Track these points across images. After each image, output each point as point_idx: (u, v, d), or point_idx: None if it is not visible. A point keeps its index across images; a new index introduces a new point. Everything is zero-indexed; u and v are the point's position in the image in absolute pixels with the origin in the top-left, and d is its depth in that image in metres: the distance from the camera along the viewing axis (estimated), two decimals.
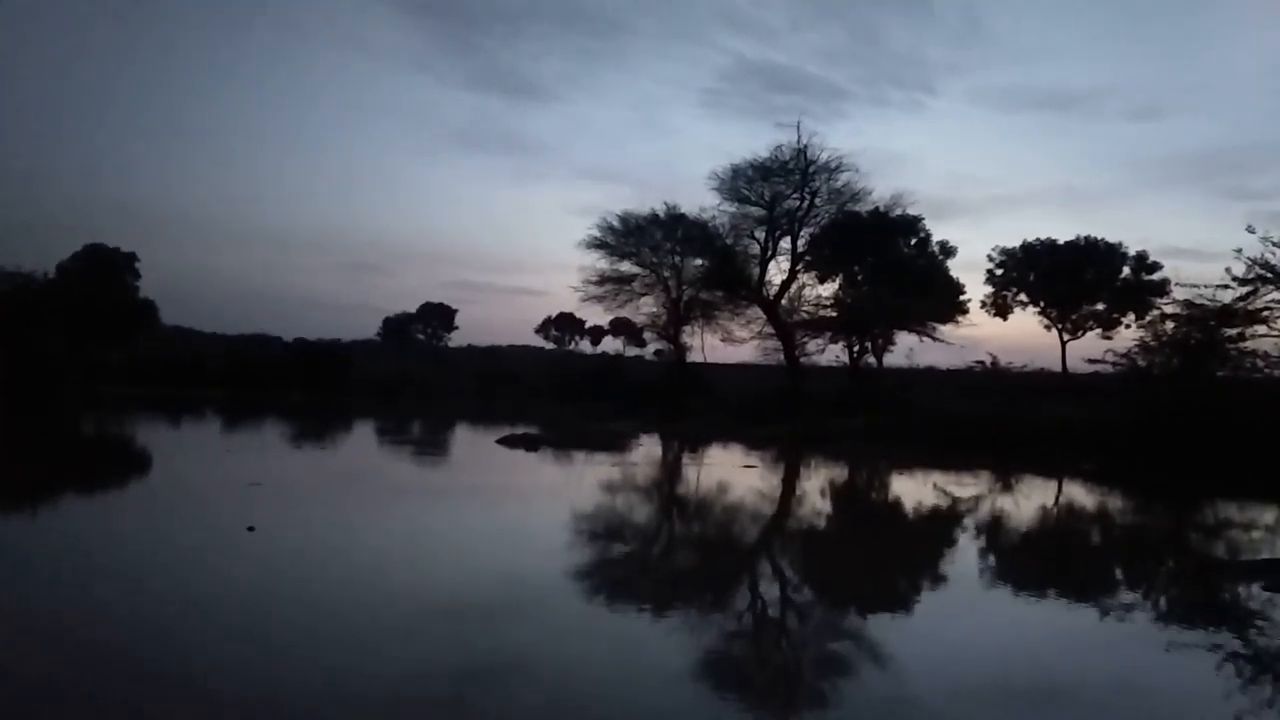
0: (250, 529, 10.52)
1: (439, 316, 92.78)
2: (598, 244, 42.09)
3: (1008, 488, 18.36)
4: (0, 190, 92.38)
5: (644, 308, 44.74)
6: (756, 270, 38.85)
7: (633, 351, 71.34)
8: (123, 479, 16.82)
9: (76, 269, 52.80)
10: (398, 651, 6.33)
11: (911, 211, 39.66)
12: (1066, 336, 50.04)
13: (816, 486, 19.23)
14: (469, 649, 6.52)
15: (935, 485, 18.46)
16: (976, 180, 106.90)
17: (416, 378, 56.36)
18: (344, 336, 74.21)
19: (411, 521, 12.75)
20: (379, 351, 78.82)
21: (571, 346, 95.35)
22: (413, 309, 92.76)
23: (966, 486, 18.24)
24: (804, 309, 39.43)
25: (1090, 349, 42.04)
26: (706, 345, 44.20)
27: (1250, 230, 22.29)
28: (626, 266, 43.05)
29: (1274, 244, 21.84)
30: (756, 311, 39.55)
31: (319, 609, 7.44)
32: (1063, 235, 49.88)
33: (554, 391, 48.03)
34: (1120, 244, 47.93)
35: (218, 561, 9.15)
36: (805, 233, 38.21)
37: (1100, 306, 48.96)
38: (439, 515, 13.45)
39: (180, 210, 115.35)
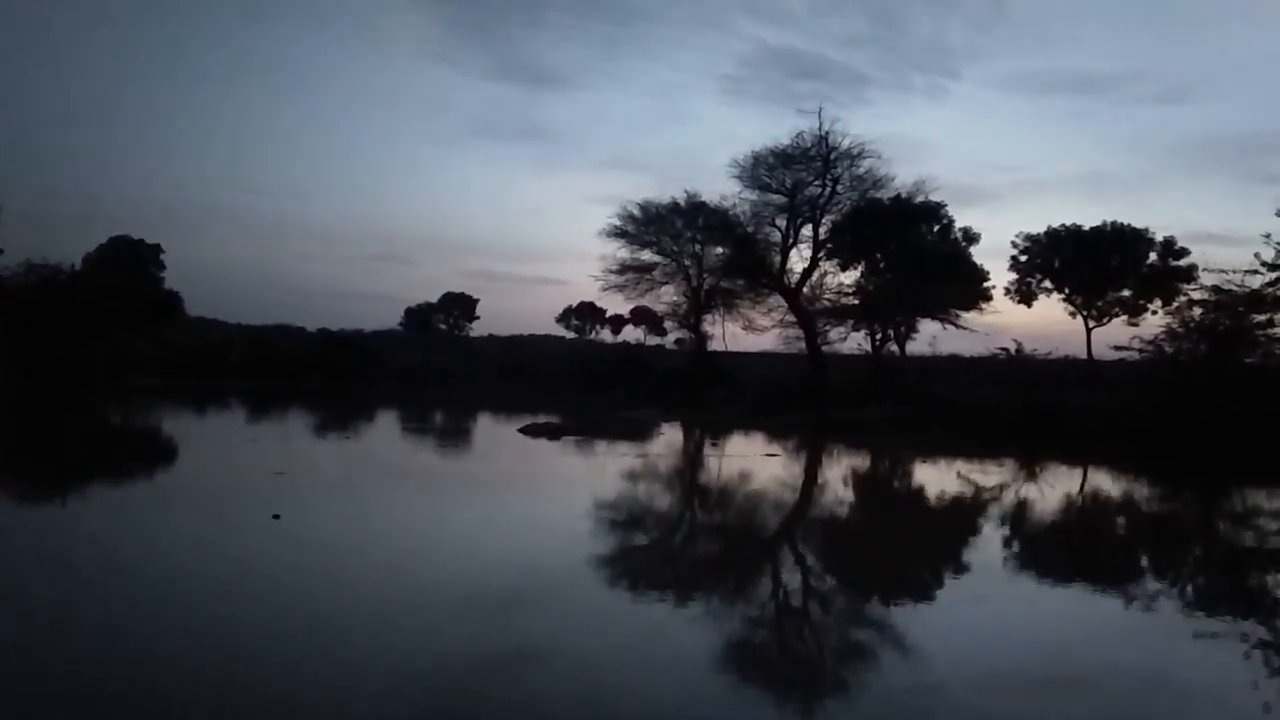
0: (276, 517, 10.63)
1: (460, 306, 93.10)
2: (618, 233, 42.08)
3: (1032, 476, 18.24)
4: (26, 184, 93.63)
5: (665, 296, 44.76)
6: (778, 258, 38.65)
7: (653, 340, 71.48)
8: (150, 469, 17.03)
9: (102, 261, 53.35)
10: (422, 638, 6.38)
11: (934, 198, 39.32)
12: (1092, 323, 49.46)
13: (839, 475, 19.17)
14: (493, 636, 6.56)
15: (959, 474, 18.35)
16: (1000, 166, 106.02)
17: (438, 367, 56.62)
18: (366, 326, 74.78)
19: (435, 510, 12.84)
20: (401, 341, 79.23)
21: (592, 335, 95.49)
22: (434, 299, 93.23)
23: (991, 475, 18.13)
24: (826, 297, 39.26)
25: (1116, 336, 41.67)
26: (728, 334, 44.17)
27: (1279, 215, 22.02)
28: (647, 255, 43.03)
29: None
30: (778, 300, 39.36)
31: (346, 596, 7.50)
32: (1088, 221, 49.19)
33: (575, 380, 48.09)
34: (1147, 229, 47.26)
35: (245, 550, 9.25)
36: (827, 220, 37.94)
37: (1126, 293, 48.32)
38: (462, 504, 13.52)
39: (203, 202, 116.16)
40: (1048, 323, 56.16)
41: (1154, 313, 45.16)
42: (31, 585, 7.67)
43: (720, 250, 41.40)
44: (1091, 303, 49.20)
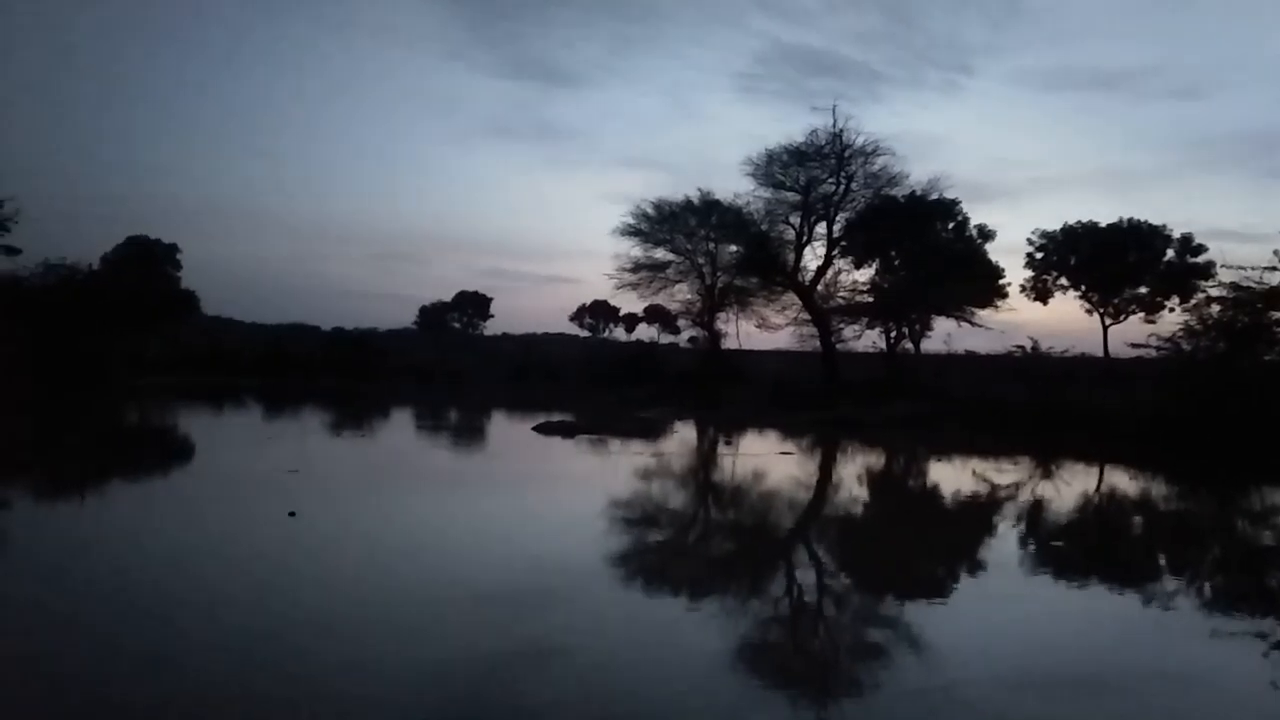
0: (291, 514, 10.68)
1: (474, 305, 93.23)
2: (632, 231, 42.13)
3: (1048, 474, 18.13)
4: (44, 184, 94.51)
5: (678, 294, 44.77)
6: (791, 256, 38.61)
7: (667, 338, 71.30)
8: (166, 468, 17.13)
9: (119, 261, 53.75)
10: (437, 635, 6.39)
11: (949, 195, 39.17)
12: (1109, 321, 49.19)
13: (853, 473, 19.11)
14: (506, 633, 6.56)
15: (974, 472, 18.27)
16: (1016, 162, 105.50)
17: (452, 366, 56.78)
18: (381, 325, 75.10)
19: (449, 508, 12.87)
20: (416, 340, 79.49)
21: (606, 334, 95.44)
22: (448, 298, 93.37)
23: (1006, 473, 18.03)
24: (840, 295, 39.19)
25: (1133, 333, 41.47)
26: (741, 332, 44.13)
27: None
28: (660, 253, 43.06)
29: None
30: (792, 298, 39.32)
31: (360, 593, 7.52)
32: (1104, 217, 48.93)
33: (589, 379, 48.13)
34: (1164, 226, 46.94)
35: (260, 547, 9.30)
36: (841, 217, 37.89)
37: (1143, 290, 48.02)
38: (477, 502, 13.54)
39: (219, 201, 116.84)
40: (1064, 320, 55.93)
41: (1171, 310, 44.94)
42: (44, 583, 7.72)
43: (734, 248, 41.38)
44: (1108, 300, 48.93)
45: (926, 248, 38.99)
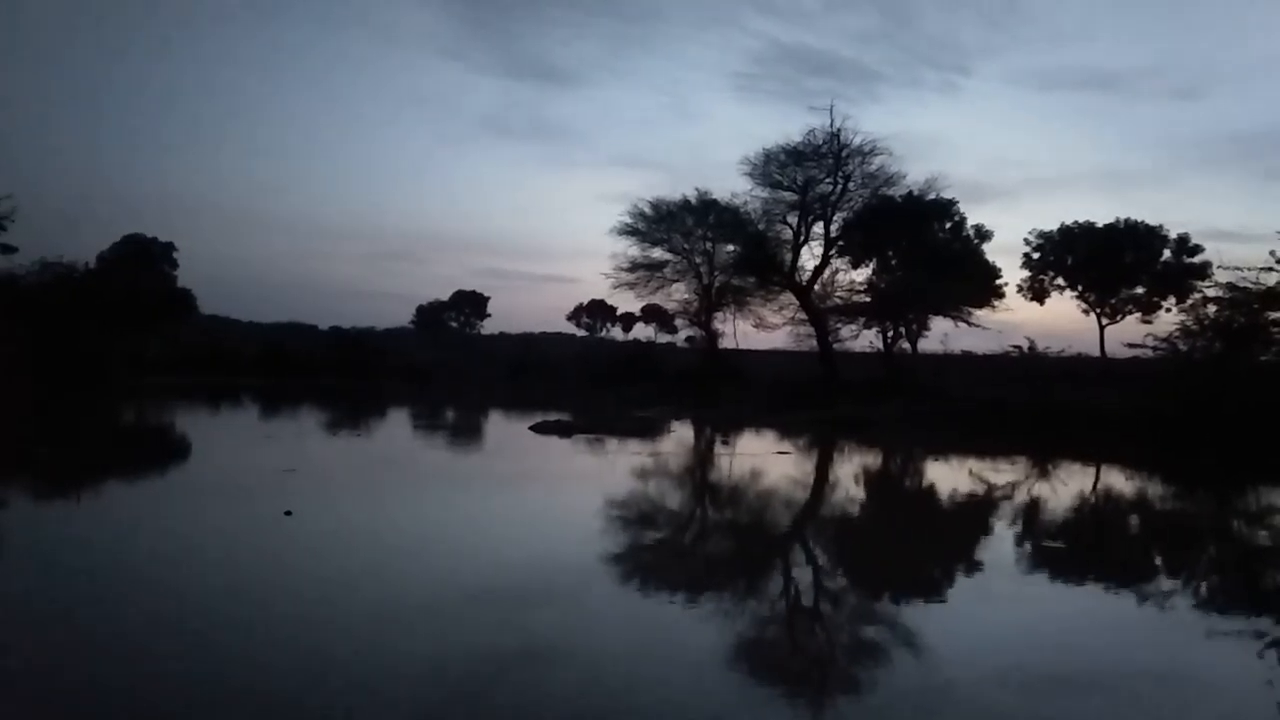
0: (288, 514, 10.67)
1: (471, 304, 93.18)
2: (629, 230, 42.19)
3: (1045, 474, 18.14)
4: (41, 182, 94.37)
5: (675, 294, 44.87)
6: (789, 256, 38.67)
7: (664, 338, 71.43)
8: (163, 467, 17.11)
9: (116, 259, 53.69)
10: (433, 633, 6.39)
11: (946, 195, 39.33)
12: (1105, 321, 49.23)
13: (850, 473, 19.12)
14: (503, 632, 6.56)
15: (971, 471, 18.28)
16: (1013, 163, 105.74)
17: (449, 365, 56.79)
18: (378, 324, 75.09)
19: (446, 508, 12.87)
20: (413, 339, 79.49)
21: (603, 333, 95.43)
22: (445, 297, 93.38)
23: (1003, 473, 18.05)
24: (837, 294, 39.26)
25: (1130, 333, 41.56)
26: (739, 331, 44.21)
27: None
28: (658, 253, 43.16)
29: None
30: (789, 297, 39.37)
31: (355, 593, 7.52)
32: (1101, 218, 49.04)
33: (586, 378, 48.14)
34: (1160, 226, 47.01)
35: (258, 546, 9.29)
36: (838, 217, 37.98)
37: (1140, 290, 48.07)
38: (473, 502, 13.53)
39: (215, 200, 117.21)
40: (1060, 320, 56.19)
41: (1168, 310, 45.04)
42: (39, 582, 7.72)
43: (731, 248, 41.47)
44: (1105, 300, 48.98)
45: (923, 248, 39.05)
